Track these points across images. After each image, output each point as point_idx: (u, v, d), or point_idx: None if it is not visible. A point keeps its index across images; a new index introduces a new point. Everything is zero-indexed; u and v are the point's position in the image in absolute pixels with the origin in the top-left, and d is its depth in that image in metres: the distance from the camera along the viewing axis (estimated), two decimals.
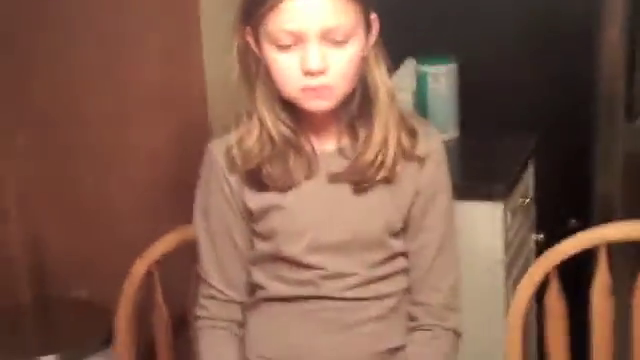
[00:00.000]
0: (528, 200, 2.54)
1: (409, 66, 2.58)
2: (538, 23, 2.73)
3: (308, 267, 1.54)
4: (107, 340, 2.12)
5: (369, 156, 1.50)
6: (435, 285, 1.59)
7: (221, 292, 1.63)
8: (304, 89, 1.45)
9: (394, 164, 1.51)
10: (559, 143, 2.68)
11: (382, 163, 1.50)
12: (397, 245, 1.57)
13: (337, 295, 1.54)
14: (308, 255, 1.53)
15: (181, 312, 1.95)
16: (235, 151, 1.53)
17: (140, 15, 2.20)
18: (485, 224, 2.26)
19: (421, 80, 2.60)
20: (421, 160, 1.55)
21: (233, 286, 1.63)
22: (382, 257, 1.56)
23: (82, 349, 2.14)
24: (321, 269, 1.54)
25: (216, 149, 1.58)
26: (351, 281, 1.54)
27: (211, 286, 1.63)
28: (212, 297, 1.64)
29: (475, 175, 2.33)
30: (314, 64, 1.41)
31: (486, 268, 2.26)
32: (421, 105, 2.57)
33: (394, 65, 1.59)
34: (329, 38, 1.41)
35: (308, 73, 1.42)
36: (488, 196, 2.26)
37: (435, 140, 1.58)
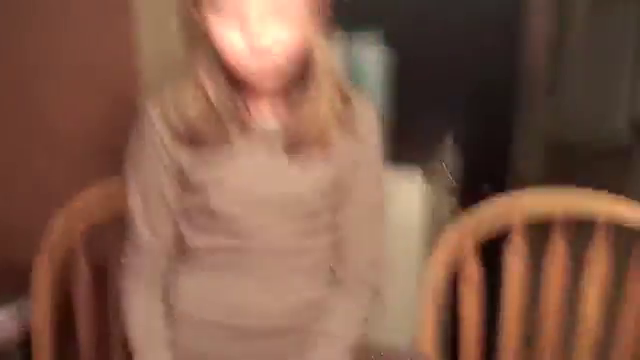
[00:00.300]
0: (447, 171, 2.60)
1: (338, 41, 2.61)
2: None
3: (234, 220, 1.56)
4: (23, 292, 2.10)
5: (304, 122, 1.53)
6: (360, 242, 1.64)
7: (148, 242, 1.64)
8: (249, 65, 1.45)
9: (328, 132, 1.54)
10: (481, 114, 2.73)
11: (317, 130, 1.53)
12: (326, 202, 1.60)
13: (263, 247, 1.58)
14: (235, 208, 1.56)
15: (101, 265, 1.94)
16: (171, 109, 1.54)
17: None
18: (404, 191, 2.30)
19: (350, 55, 2.63)
20: (355, 129, 1.58)
21: (160, 236, 1.64)
22: (309, 212, 1.59)
23: None
24: (247, 222, 1.56)
25: (151, 106, 1.58)
26: (277, 234, 1.57)
27: (138, 236, 1.64)
28: (138, 246, 1.65)
29: (397, 147, 2.34)
30: (262, 43, 1.41)
31: (404, 234, 2.31)
32: (350, 80, 2.59)
33: None
34: (274, 15, 1.41)
35: (255, 51, 1.43)
36: (407, 163, 2.31)
37: (369, 112, 1.62)
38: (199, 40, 1.49)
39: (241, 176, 1.56)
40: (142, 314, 1.64)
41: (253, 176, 1.56)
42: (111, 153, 2.12)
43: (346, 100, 1.57)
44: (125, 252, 1.68)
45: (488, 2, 2.72)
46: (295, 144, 1.54)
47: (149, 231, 1.64)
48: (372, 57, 2.65)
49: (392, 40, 2.68)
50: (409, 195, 2.31)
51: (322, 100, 1.53)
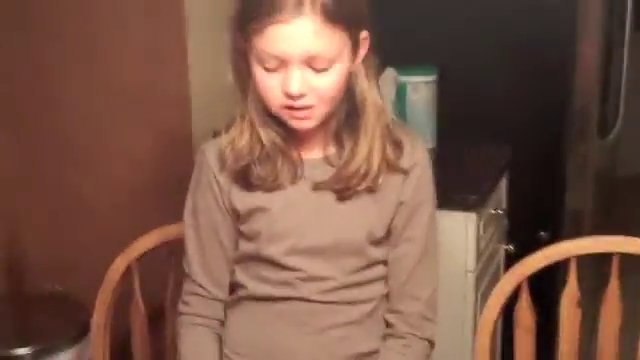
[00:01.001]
0: (501, 211, 2.59)
1: (389, 76, 2.61)
2: (517, 38, 2.76)
3: (287, 269, 1.57)
4: (82, 334, 2.14)
5: (353, 166, 1.54)
6: (413, 294, 1.62)
7: (205, 289, 1.66)
8: (285, 108, 1.49)
9: (378, 175, 1.55)
10: (533, 156, 2.71)
11: (366, 174, 1.54)
12: (377, 253, 1.60)
13: (314, 298, 1.57)
14: (288, 257, 1.57)
15: (158, 309, 1.97)
16: (227, 151, 1.57)
17: (123, 13, 2.21)
18: (458, 234, 2.29)
19: (400, 90, 2.63)
20: (405, 172, 1.58)
21: (217, 284, 1.66)
22: (361, 264, 1.59)
23: (57, 342, 2.15)
24: (299, 271, 1.57)
25: (209, 150, 1.62)
26: (328, 285, 1.57)
27: (195, 283, 1.66)
28: (196, 294, 1.67)
29: (450, 185, 2.28)
30: (294, 88, 1.45)
31: (457, 277, 2.29)
32: (399, 115, 2.60)
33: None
34: (311, 64, 1.44)
35: (288, 96, 1.46)
36: (462, 206, 2.30)
37: (420, 152, 1.61)
38: (249, 86, 1.52)
39: (293, 225, 1.56)
40: (197, 357, 1.65)
41: (305, 225, 1.56)
42: (164, 188, 2.17)
43: (397, 141, 1.58)
44: (182, 296, 1.70)
45: (539, 46, 2.72)
46: (344, 187, 1.55)
47: (205, 276, 1.65)
48: (424, 95, 2.65)
49: (444, 77, 2.68)
50: (463, 240, 2.29)
51: (371, 143, 1.54)
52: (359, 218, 1.57)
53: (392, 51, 2.52)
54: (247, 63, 1.51)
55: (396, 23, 2.72)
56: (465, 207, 2.31)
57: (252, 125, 1.55)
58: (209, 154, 1.61)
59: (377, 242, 1.59)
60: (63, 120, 2.31)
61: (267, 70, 1.46)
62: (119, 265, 1.90)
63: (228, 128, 1.59)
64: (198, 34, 2.20)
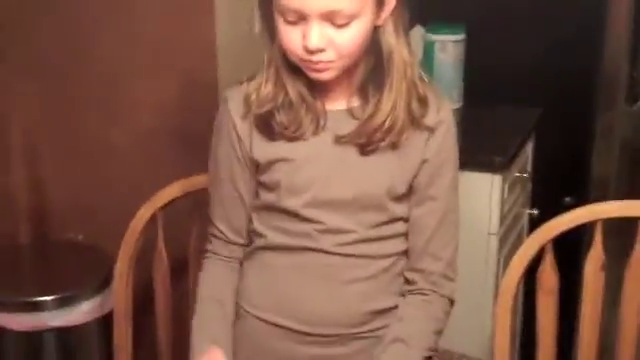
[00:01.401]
0: (526, 175, 2.57)
1: (417, 34, 2.60)
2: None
3: (306, 220, 1.57)
4: (105, 283, 2.15)
5: (377, 120, 1.53)
6: (435, 253, 1.61)
7: (225, 235, 1.68)
8: (304, 61, 1.49)
9: (402, 131, 1.53)
10: (560, 120, 2.70)
11: (390, 128, 1.53)
12: (398, 210, 1.59)
13: (332, 250, 1.57)
14: (307, 209, 1.56)
15: (181, 259, 1.98)
16: (252, 97, 1.57)
17: None
18: (483, 195, 2.28)
19: (428, 48, 2.62)
20: (430, 130, 1.56)
21: (235, 231, 1.67)
22: (381, 219, 1.58)
23: (80, 290, 2.16)
24: (319, 223, 1.56)
25: (231, 97, 1.61)
26: (347, 238, 1.57)
27: (217, 229, 1.68)
28: (217, 237, 1.69)
29: (476, 146, 2.32)
30: (312, 43, 1.44)
31: (481, 238, 2.29)
32: (427, 74, 2.58)
33: None
34: (331, 19, 1.43)
35: (307, 50, 1.46)
36: (488, 167, 2.29)
37: (446, 111, 1.60)
38: (276, 34, 1.51)
39: (314, 177, 1.56)
40: (211, 282, 1.68)
41: (326, 178, 1.56)
42: (189, 135, 2.17)
43: (423, 98, 1.56)
44: (208, 236, 1.72)
45: (570, 8, 2.69)
46: (367, 141, 1.54)
47: (224, 223, 1.67)
48: (452, 53, 2.63)
49: (473, 37, 2.66)
50: (488, 201, 2.28)
51: (396, 98, 1.52)
52: (381, 173, 1.56)
53: (421, 9, 2.54)
54: (273, 12, 1.50)
55: None
56: (490, 169, 2.30)
57: (278, 73, 1.55)
58: (231, 101, 1.61)
59: (398, 198, 1.58)
60: (88, 68, 2.31)
61: (288, 23, 1.46)
62: (143, 214, 1.91)
63: (254, 76, 1.59)
64: None
